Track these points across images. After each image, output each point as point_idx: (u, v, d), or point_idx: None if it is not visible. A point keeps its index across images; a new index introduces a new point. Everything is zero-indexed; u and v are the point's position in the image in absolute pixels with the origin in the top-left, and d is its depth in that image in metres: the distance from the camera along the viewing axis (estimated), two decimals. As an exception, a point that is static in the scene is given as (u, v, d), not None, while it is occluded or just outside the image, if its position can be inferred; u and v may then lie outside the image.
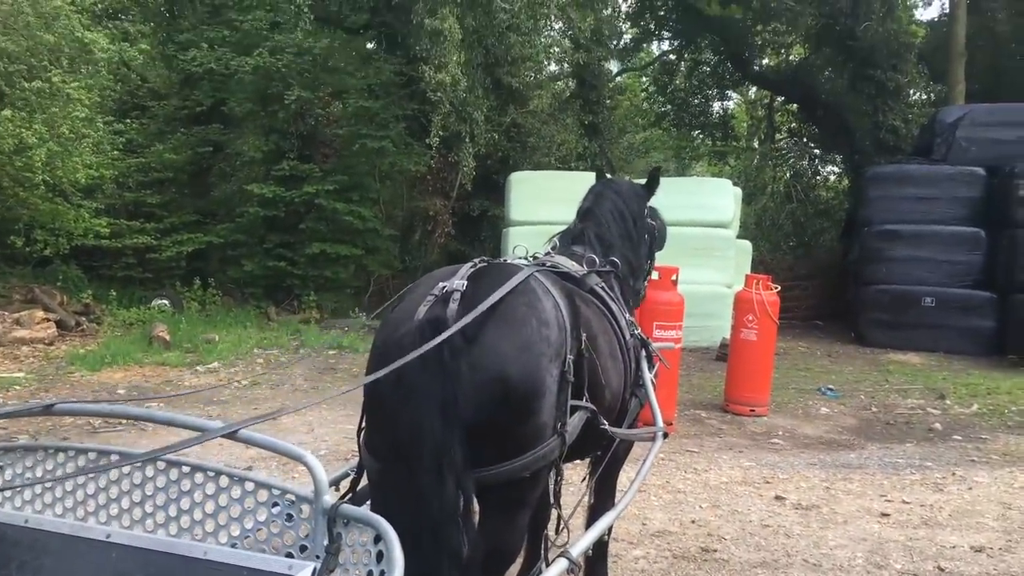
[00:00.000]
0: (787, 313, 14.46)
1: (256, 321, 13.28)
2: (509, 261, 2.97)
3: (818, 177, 22.82)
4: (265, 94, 14.99)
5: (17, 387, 8.31)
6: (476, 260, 2.71)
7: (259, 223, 15.22)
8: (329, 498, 1.64)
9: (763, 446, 7.18)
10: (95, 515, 1.89)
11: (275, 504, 1.77)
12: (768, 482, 6.03)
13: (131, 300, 13.41)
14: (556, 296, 2.64)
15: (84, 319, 11.95)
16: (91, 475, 1.84)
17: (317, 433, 6.80)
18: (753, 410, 8.29)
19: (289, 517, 1.77)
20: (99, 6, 14.20)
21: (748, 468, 6.39)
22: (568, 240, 3.61)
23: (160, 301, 13.45)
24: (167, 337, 10.78)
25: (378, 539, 1.57)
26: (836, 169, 22.60)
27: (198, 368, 9.65)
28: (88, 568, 1.68)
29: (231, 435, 1.62)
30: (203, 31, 15.31)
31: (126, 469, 1.84)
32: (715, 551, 4.60)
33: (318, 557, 1.63)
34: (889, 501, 5.66)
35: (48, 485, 1.88)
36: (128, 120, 14.42)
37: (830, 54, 19.37)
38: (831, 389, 9.72)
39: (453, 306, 2.37)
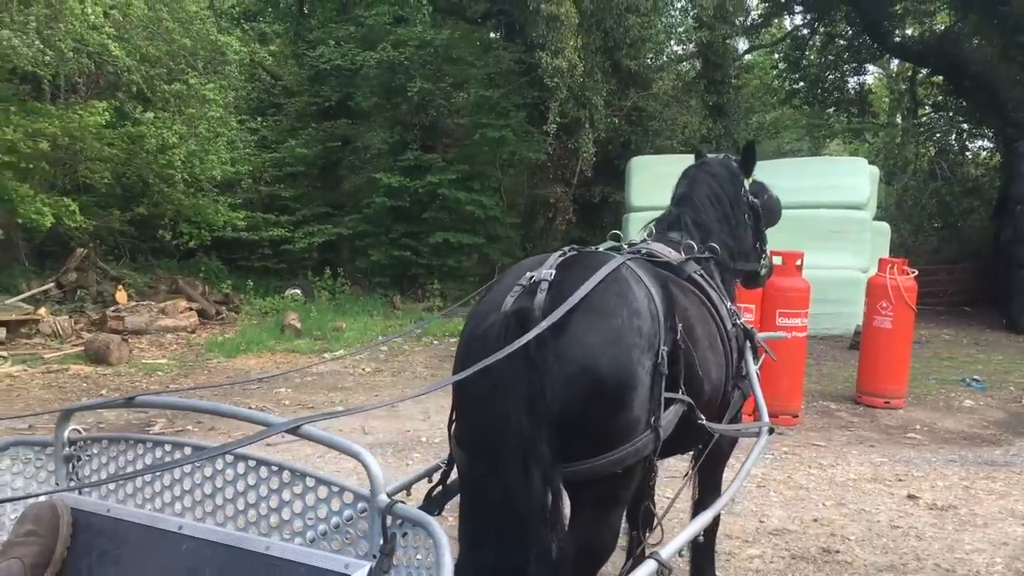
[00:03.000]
0: (931, 298, 13.62)
1: (382, 309, 13.68)
2: (601, 249, 2.87)
3: (966, 153, 21.28)
4: (389, 87, 15.35)
5: (160, 372, 8.85)
6: (566, 248, 2.63)
7: (385, 214, 15.61)
8: (384, 497, 1.61)
9: (897, 441, 6.75)
10: (171, 506, 1.95)
11: (335, 502, 1.77)
12: (900, 480, 5.66)
13: (267, 290, 14.09)
14: (649, 285, 2.52)
15: (224, 308, 12.65)
16: (167, 467, 1.89)
17: (433, 420, 6.89)
18: (888, 402, 7.82)
19: (349, 516, 1.76)
20: (236, 9, 14.94)
21: (879, 464, 6.02)
22: (664, 227, 3.47)
23: (293, 291, 14.08)
24: (298, 325, 11.25)
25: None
26: (986, 144, 21.00)
27: (325, 355, 9.99)
28: (161, 559, 1.73)
29: (293, 430, 1.62)
30: (331, 29, 15.84)
31: (199, 462, 1.88)
32: (837, 552, 4.35)
33: (374, 557, 1.61)
34: (1037, 503, 5.21)
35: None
36: (262, 117, 15.08)
37: (978, 21, 17.94)
38: (976, 380, 9.04)
39: (541, 296, 2.30)
